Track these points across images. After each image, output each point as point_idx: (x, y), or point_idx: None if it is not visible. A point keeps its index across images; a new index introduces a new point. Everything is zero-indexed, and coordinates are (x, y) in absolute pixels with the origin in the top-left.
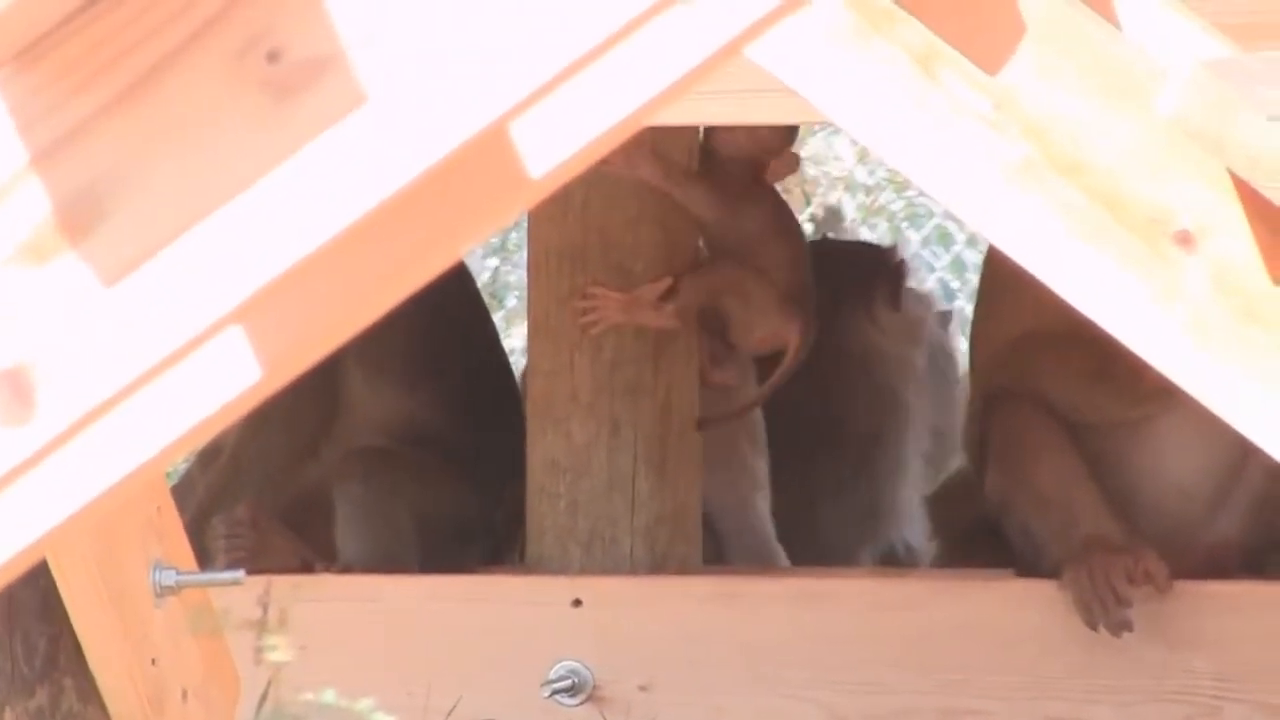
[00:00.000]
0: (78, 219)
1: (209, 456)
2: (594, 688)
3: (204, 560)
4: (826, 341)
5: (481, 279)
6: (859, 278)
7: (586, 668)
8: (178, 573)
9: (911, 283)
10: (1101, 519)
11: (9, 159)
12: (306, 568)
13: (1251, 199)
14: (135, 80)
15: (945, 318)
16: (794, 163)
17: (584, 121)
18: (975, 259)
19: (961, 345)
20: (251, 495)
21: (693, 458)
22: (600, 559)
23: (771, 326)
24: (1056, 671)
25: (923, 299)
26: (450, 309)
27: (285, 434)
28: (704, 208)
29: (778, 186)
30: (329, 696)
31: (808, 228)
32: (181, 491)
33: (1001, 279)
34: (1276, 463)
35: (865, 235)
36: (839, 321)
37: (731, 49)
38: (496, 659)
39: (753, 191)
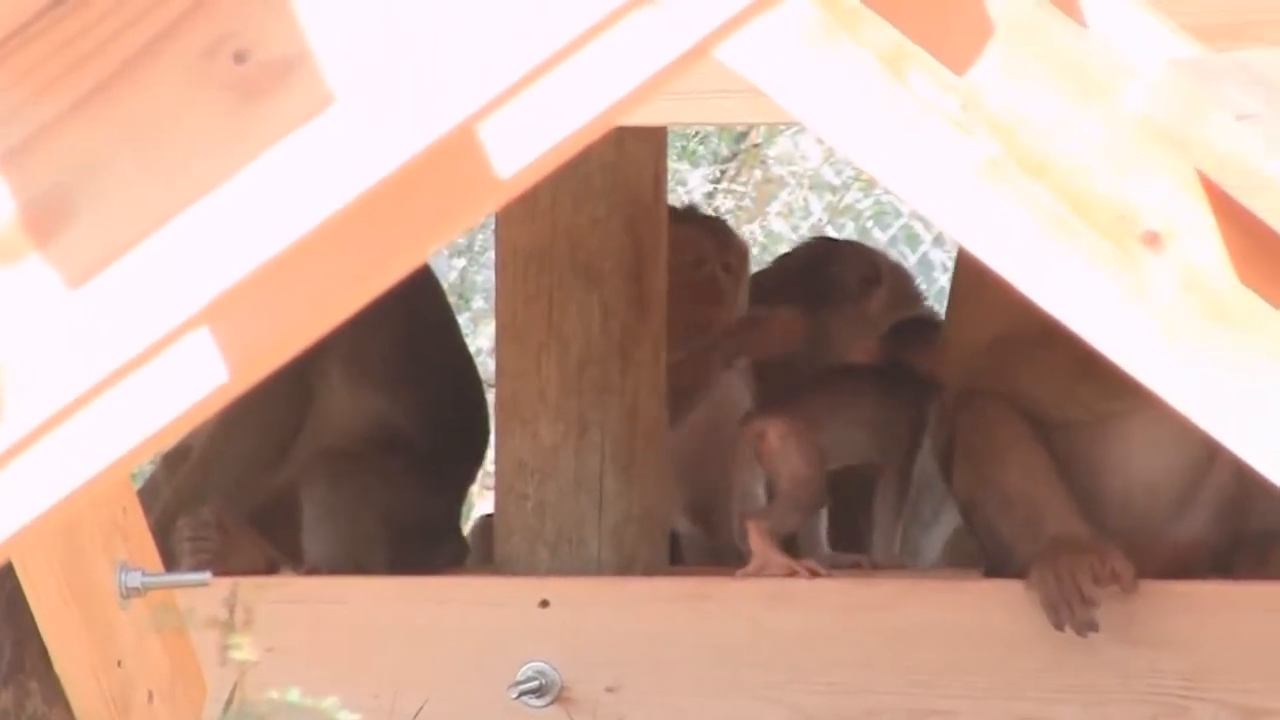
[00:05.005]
0: (44, 220)
1: (175, 458)
2: (561, 689)
3: (170, 562)
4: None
5: (448, 279)
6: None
7: (554, 669)
8: (143, 574)
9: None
10: (1068, 519)
11: None
12: (273, 569)
13: (1219, 199)
14: (101, 81)
15: None
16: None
17: (552, 122)
18: (942, 259)
19: None
20: (218, 497)
21: (660, 459)
22: (568, 560)
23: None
24: (1024, 671)
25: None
26: (424, 312)
27: (255, 437)
28: None
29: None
30: (293, 695)
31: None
32: (147, 493)
33: (974, 282)
34: (1243, 463)
35: (831, 234)
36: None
37: (700, 50)
38: (463, 660)
39: None
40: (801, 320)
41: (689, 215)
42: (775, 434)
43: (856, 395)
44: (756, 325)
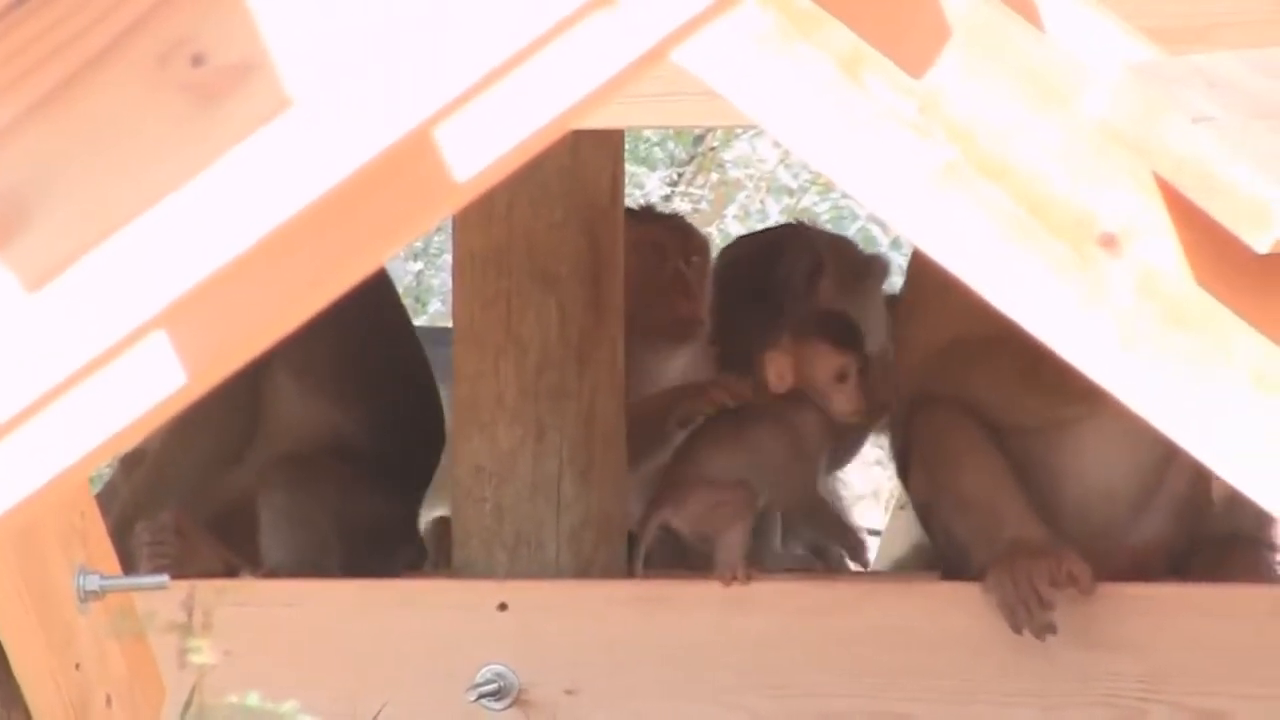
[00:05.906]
0: (1, 223)
1: (132, 462)
2: (519, 691)
3: (128, 565)
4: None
5: (404, 283)
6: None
7: (512, 671)
8: (101, 578)
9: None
10: (1025, 522)
11: None
12: (231, 573)
13: (1176, 202)
14: (58, 85)
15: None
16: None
17: (509, 126)
18: (900, 262)
19: None
20: (176, 501)
21: (617, 462)
22: (526, 563)
23: None
24: (982, 674)
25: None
26: (377, 318)
27: (210, 441)
28: None
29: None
30: (253, 699)
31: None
32: (105, 497)
33: (928, 284)
34: (1199, 465)
35: None
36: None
37: (656, 53)
38: (422, 663)
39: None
40: (744, 383)
41: (647, 215)
42: (678, 521)
43: (745, 437)
44: (704, 390)
